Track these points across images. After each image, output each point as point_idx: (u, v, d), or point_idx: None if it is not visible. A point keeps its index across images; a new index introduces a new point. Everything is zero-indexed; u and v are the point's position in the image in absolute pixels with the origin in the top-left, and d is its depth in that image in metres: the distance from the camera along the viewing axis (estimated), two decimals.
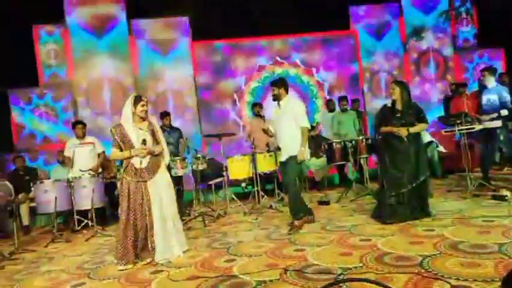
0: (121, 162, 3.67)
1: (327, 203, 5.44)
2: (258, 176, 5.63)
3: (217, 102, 8.76)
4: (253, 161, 5.63)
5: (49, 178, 5.82)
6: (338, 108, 7.21)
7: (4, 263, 3.99)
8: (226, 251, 3.52)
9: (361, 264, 2.76)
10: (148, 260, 3.41)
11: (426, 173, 4.00)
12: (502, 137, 5.04)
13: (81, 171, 5.37)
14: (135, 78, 8.39)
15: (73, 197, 5.16)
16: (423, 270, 2.50)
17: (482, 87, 5.49)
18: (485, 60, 9.31)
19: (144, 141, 3.46)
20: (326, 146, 6.14)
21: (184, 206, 5.88)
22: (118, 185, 5.56)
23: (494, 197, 4.45)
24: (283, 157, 4.24)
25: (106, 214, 5.97)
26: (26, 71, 8.14)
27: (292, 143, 4.10)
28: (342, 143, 5.90)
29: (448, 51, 9.33)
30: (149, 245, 3.42)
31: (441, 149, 6.89)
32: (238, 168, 5.75)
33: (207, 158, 5.86)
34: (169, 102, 8.51)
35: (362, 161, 5.91)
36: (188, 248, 3.65)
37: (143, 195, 3.45)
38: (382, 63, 9.23)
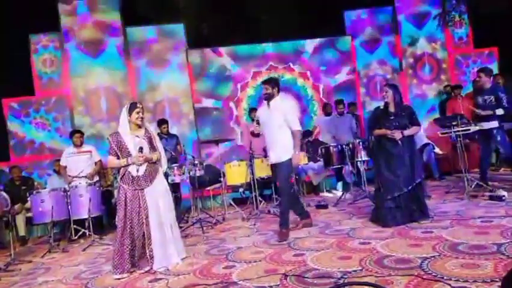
0: (118, 170, 3.65)
1: (325, 206, 5.44)
2: (255, 181, 5.62)
3: (214, 108, 8.74)
4: (251, 166, 5.63)
5: (45, 187, 5.79)
6: (334, 112, 7.22)
7: (0, 275, 3.94)
8: (225, 258, 3.50)
9: (361, 268, 2.74)
10: (146, 269, 3.38)
11: (422, 175, 4.01)
12: (498, 138, 5.06)
13: (75, 177, 5.35)
14: (132, 87, 8.38)
15: (69, 206, 5.12)
16: (423, 273, 2.50)
17: (478, 88, 5.52)
18: (480, 61, 9.37)
19: (141, 149, 3.44)
20: (323, 149, 6.14)
21: (181, 212, 5.84)
22: (115, 193, 5.53)
23: (492, 198, 4.46)
24: (272, 159, 4.10)
25: (103, 223, 5.93)
26: (22, 81, 8.12)
27: (283, 145, 3.99)
28: (339, 147, 5.91)
29: (442, 53, 9.38)
30: (147, 254, 3.39)
31: (437, 150, 6.92)
32: (235, 173, 5.74)
33: (204, 164, 5.85)
34: (166, 109, 8.50)
35: (359, 164, 5.91)
36: (186, 256, 3.62)
37: (140, 203, 3.42)
38: (378, 67, 9.27)
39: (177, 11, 9.18)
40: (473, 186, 4.98)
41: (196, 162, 5.49)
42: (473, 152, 6.50)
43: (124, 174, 3.49)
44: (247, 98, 8.83)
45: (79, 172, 5.53)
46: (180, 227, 4.29)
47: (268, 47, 9.03)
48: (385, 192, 3.91)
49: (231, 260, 3.41)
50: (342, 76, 9.16)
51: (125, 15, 8.49)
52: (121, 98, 8.21)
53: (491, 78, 5.43)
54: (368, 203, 5.10)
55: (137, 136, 3.54)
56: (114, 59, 8.34)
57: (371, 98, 9.12)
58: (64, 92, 8.19)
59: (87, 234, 5.18)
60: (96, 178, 5.73)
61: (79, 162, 5.65)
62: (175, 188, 5.54)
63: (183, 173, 5.42)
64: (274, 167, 4.17)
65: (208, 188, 6.20)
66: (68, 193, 5.14)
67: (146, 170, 3.48)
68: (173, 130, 7.18)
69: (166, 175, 4.63)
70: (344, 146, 5.84)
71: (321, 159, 6.40)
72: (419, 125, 4.13)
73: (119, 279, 3.27)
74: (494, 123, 5.04)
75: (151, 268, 3.36)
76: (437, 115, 8.30)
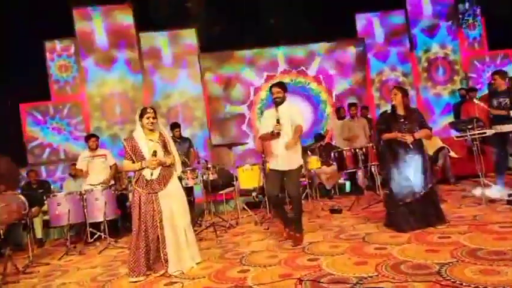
0: (133, 173, 3.70)
1: (339, 211, 5.41)
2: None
3: (226, 112, 8.79)
4: (263, 170, 5.63)
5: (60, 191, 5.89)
6: (347, 116, 7.19)
7: (19, 277, 4.02)
8: (239, 262, 3.51)
9: (377, 273, 2.72)
10: (162, 272, 3.41)
11: (434, 179, 3.96)
12: None
13: (92, 185, 5.42)
14: (145, 92, 8.49)
15: (85, 210, 5.19)
16: (441, 279, 2.46)
17: (493, 91, 5.44)
18: (495, 64, 9.24)
19: (155, 153, 3.47)
20: (336, 153, 6.11)
21: (195, 216, 5.87)
22: (130, 196, 5.59)
23: (509, 202, 4.38)
24: (282, 166, 3.94)
25: (118, 226, 6.00)
26: (38, 86, 8.29)
27: (295, 154, 3.95)
28: (353, 151, 5.87)
29: (456, 56, 9.28)
30: (162, 257, 3.42)
31: (453, 154, 6.82)
32: (248, 177, 5.75)
33: (217, 168, 5.87)
34: (179, 113, 8.58)
35: (373, 168, 5.86)
36: (201, 260, 3.64)
37: (154, 207, 3.46)
38: (391, 69, 9.22)
39: (189, 16, 9.25)
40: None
41: (209, 166, 5.52)
42: (490, 155, 6.39)
43: (139, 178, 3.53)
44: (260, 102, 8.86)
45: (94, 177, 5.60)
46: (194, 231, 4.31)
47: (280, 51, 9.06)
48: (397, 197, 3.85)
49: (245, 264, 3.42)
50: (355, 79, 9.13)
51: (139, 21, 8.61)
52: (134, 102, 8.32)
53: (506, 80, 5.34)
54: (383, 208, 5.04)
55: (151, 140, 3.58)
56: (128, 63, 8.46)
57: (386, 101, 9.07)
58: (80, 96, 8.34)
59: (103, 237, 5.25)
60: (111, 182, 5.80)
61: (94, 166, 5.74)
62: (188, 192, 5.57)
63: (196, 177, 5.46)
64: (279, 173, 3.98)
65: (221, 192, 6.22)
66: (84, 196, 5.21)
67: (160, 173, 3.51)
68: (186, 134, 7.24)
69: (180, 179, 4.66)
70: (357, 150, 5.80)
71: (334, 163, 6.37)
72: (429, 128, 4.09)
73: (135, 282, 3.31)
74: (510, 127, 4.95)
75: (166, 271, 3.38)
76: (451, 117, 8.23)
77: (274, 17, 9.44)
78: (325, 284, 2.66)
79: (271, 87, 4.13)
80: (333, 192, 7.04)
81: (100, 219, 5.17)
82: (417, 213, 3.80)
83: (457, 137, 5.28)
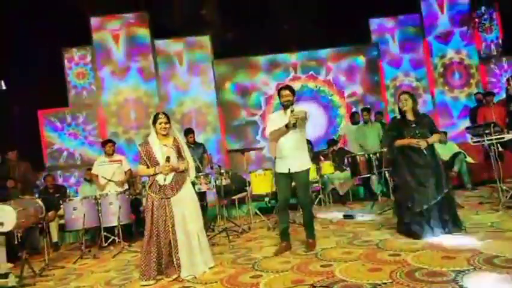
0: (147, 178, 3.75)
1: (352, 217, 5.35)
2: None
3: (240, 118, 8.83)
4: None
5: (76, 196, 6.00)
6: (361, 121, 7.14)
7: (35, 280, 4.09)
8: (252, 267, 3.49)
9: (391, 280, 2.68)
10: (174, 276, 3.42)
11: (449, 184, 3.88)
12: None
13: (107, 180, 5.50)
14: (160, 97, 8.61)
15: (100, 214, 5.26)
16: (457, 287, 2.41)
17: (510, 96, 5.33)
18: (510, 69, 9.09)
19: (168, 159, 3.50)
20: (350, 159, 6.06)
21: (208, 221, 5.89)
22: (144, 201, 5.64)
23: None
24: (294, 167, 3.82)
25: (132, 230, 6.05)
26: (56, 92, 8.48)
27: (304, 154, 3.92)
28: (366, 156, 5.82)
29: (473, 60, 9.15)
30: (174, 262, 3.43)
31: (469, 159, 6.70)
32: (261, 182, 5.75)
33: (230, 173, 5.89)
34: (193, 119, 8.66)
35: (387, 174, 5.79)
36: (214, 265, 3.64)
37: (167, 212, 3.48)
38: (405, 75, 9.14)
39: (204, 23, 9.37)
40: (508, 196, 4.78)
41: (222, 171, 5.54)
42: (508, 161, 6.25)
43: (152, 183, 3.57)
44: (274, 107, 8.88)
45: (111, 176, 5.69)
46: (206, 236, 4.32)
47: (292, 56, 9.08)
48: (413, 205, 3.75)
49: (258, 269, 3.40)
50: (368, 84, 9.07)
51: (154, 29, 8.76)
52: (149, 108, 8.43)
53: None
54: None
55: (165, 145, 3.61)
56: (143, 70, 8.60)
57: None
58: (96, 102, 8.50)
59: (117, 241, 5.30)
60: (126, 186, 5.87)
61: (110, 171, 5.81)
62: (201, 196, 5.60)
63: (209, 182, 5.48)
64: (288, 177, 3.90)
65: (234, 197, 6.23)
66: (99, 201, 5.29)
67: (173, 179, 3.54)
68: (199, 139, 7.30)
69: (193, 184, 4.69)
70: (371, 155, 5.75)
71: (348, 169, 6.32)
72: (439, 132, 4.05)
73: (145, 285, 3.33)
74: None
75: (179, 276, 3.40)
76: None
77: (288, 23, 9.49)
78: None
79: (280, 89, 3.99)
80: (346, 197, 6.98)
81: (114, 223, 5.23)
82: (434, 220, 3.71)
83: (474, 141, 5.18)
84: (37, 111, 8.37)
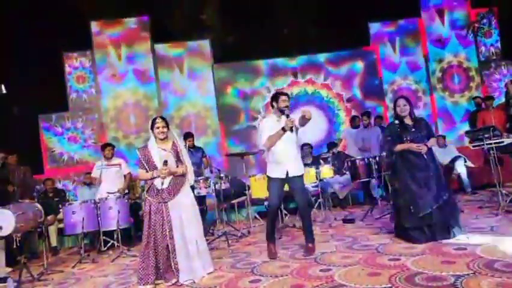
0: (146, 182, 3.74)
1: (352, 221, 5.34)
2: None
3: (241, 122, 8.84)
4: None
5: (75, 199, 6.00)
6: (361, 125, 7.15)
7: (34, 284, 4.07)
8: (251, 271, 3.48)
9: (390, 285, 2.67)
10: (173, 281, 3.41)
11: (449, 188, 3.88)
12: None
13: (108, 193, 5.49)
14: (159, 102, 8.62)
15: (99, 218, 5.25)
16: None
17: (509, 99, 5.34)
18: (510, 72, 9.11)
19: (165, 163, 3.50)
20: (349, 163, 6.06)
21: (207, 225, 5.87)
22: (143, 205, 5.62)
23: None
24: (293, 172, 3.86)
25: (131, 235, 6.04)
26: (56, 96, 8.50)
27: (299, 158, 4.00)
28: (366, 160, 5.82)
29: (472, 64, 9.17)
30: (173, 266, 3.42)
31: (469, 164, 6.70)
32: (260, 186, 5.73)
33: (229, 177, 5.88)
34: (192, 123, 8.67)
35: (386, 178, 5.78)
36: (213, 269, 3.62)
37: (164, 216, 3.47)
38: (404, 78, 9.16)
39: (204, 27, 9.41)
40: (508, 200, 4.77)
41: (221, 175, 5.53)
42: (507, 165, 6.25)
43: (150, 187, 3.57)
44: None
45: (108, 185, 5.67)
46: (206, 240, 4.31)
47: (292, 61, 9.10)
48: (416, 209, 3.72)
49: (257, 273, 3.39)
50: (368, 87, 9.09)
51: (154, 33, 8.79)
52: (149, 112, 8.45)
53: None
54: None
55: (163, 149, 3.61)
56: (143, 74, 8.62)
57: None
58: (96, 107, 8.51)
59: (116, 245, 5.29)
60: (125, 191, 5.86)
61: (109, 175, 5.81)
62: (200, 201, 5.59)
63: (209, 186, 5.48)
64: (282, 182, 3.93)
65: (233, 201, 6.22)
66: (98, 205, 5.28)
67: (170, 183, 3.54)
68: (199, 143, 7.29)
69: (192, 188, 4.68)
70: (370, 159, 5.74)
71: (347, 173, 6.31)
72: (435, 136, 4.08)
73: None
74: None
75: (178, 280, 3.38)
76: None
77: (288, 27, 9.53)
78: None
79: (278, 95, 3.95)
80: (346, 201, 6.96)
81: (113, 227, 5.22)
82: (435, 224, 3.69)
83: (474, 146, 5.18)
84: (37, 115, 8.37)
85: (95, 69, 8.54)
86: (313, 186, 6.18)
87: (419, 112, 8.09)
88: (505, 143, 4.81)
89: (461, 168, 6.52)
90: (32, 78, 7.96)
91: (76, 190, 7.71)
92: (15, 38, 7.90)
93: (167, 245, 3.44)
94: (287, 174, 3.85)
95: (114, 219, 5.19)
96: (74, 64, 8.60)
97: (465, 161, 6.62)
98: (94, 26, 8.58)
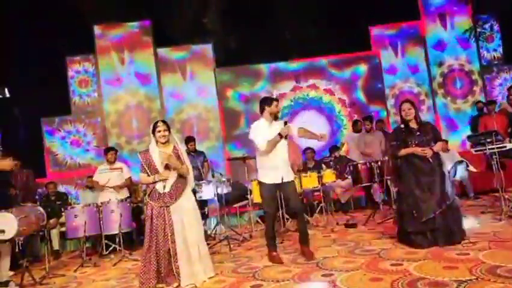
0: (147, 186, 3.76)
1: (354, 225, 5.33)
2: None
3: (242, 126, 8.84)
4: None
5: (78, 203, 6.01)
6: (363, 129, 7.15)
7: None
8: (253, 276, 3.48)
9: None
10: (175, 285, 3.41)
11: (454, 193, 3.85)
12: None
13: (105, 187, 5.56)
14: (161, 105, 8.65)
15: (101, 222, 5.26)
16: None
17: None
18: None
19: (167, 166, 3.51)
20: (351, 167, 6.06)
21: (208, 229, 5.87)
22: (145, 209, 5.63)
23: None
24: (286, 177, 3.94)
25: (133, 238, 6.04)
26: (59, 100, 8.53)
27: (289, 164, 4.04)
28: (368, 164, 5.81)
29: (474, 68, 9.17)
30: (174, 270, 3.42)
31: (471, 168, 6.68)
32: None
33: (231, 181, 5.88)
34: (194, 127, 8.68)
35: (389, 182, 5.78)
36: (214, 274, 3.62)
37: (166, 220, 3.47)
38: (406, 82, 9.17)
39: (206, 31, 9.46)
40: (510, 206, 4.76)
41: (223, 179, 5.53)
42: (510, 170, 6.22)
43: (152, 190, 3.58)
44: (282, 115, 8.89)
45: (107, 182, 5.70)
46: (207, 244, 4.31)
47: (294, 65, 9.12)
48: (419, 214, 3.71)
49: (258, 278, 3.39)
50: (370, 92, 9.10)
51: (156, 37, 8.83)
52: (151, 116, 8.47)
53: None
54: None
55: (164, 153, 3.62)
56: (145, 78, 8.65)
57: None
58: (98, 110, 8.54)
59: (117, 249, 5.29)
60: (127, 194, 5.88)
61: (111, 178, 5.82)
62: (202, 205, 5.59)
63: (210, 190, 5.47)
64: (275, 187, 3.98)
65: (235, 205, 6.22)
66: (100, 209, 5.29)
67: (172, 187, 3.54)
68: (201, 147, 7.30)
69: (194, 192, 4.68)
70: (372, 164, 5.74)
71: (349, 177, 6.31)
72: (442, 140, 4.03)
73: None
74: None
75: (179, 285, 3.38)
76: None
77: (289, 32, 9.56)
78: None
79: (270, 99, 4.09)
80: (348, 206, 6.95)
81: (115, 231, 5.23)
82: (438, 229, 3.67)
83: (476, 150, 5.17)
84: (40, 118, 8.41)
85: (98, 73, 8.58)
86: (315, 191, 6.18)
87: (423, 115, 8.07)
88: (507, 148, 4.80)
89: (462, 173, 6.50)
90: (35, 81, 8.01)
91: (78, 194, 7.73)
92: (18, 42, 7.97)
93: (169, 249, 3.44)
94: (282, 179, 3.90)
95: (116, 223, 5.19)
96: (77, 68, 8.63)
97: (467, 166, 6.60)
98: (97, 30, 8.62)
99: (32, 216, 4.18)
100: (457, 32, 9.12)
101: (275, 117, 4.03)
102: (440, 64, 9.13)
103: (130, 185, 6.12)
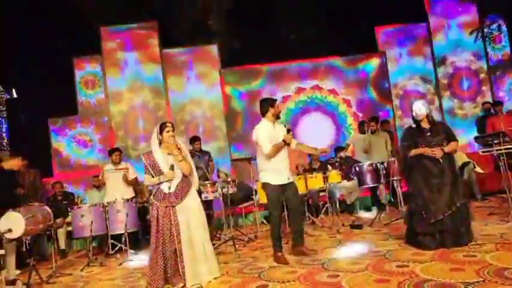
0: (152, 186, 3.77)
1: (359, 226, 5.31)
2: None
3: (247, 127, 8.85)
4: None
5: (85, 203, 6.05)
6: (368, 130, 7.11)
7: (42, 287, 4.11)
8: (258, 276, 3.48)
9: None
10: (180, 286, 3.41)
11: (465, 194, 3.81)
12: None
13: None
14: (167, 106, 8.68)
15: (107, 222, 5.28)
16: None
17: None
18: None
19: (172, 167, 3.52)
20: (357, 168, 6.03)
21: (213, 230, 5.88)
22: (150, 209, 5.65)
23: None
24: (290, 178, 4.08)
25: (139, 238, 6.06)
26: (65, 101, 8.61)
27: (289, 164, 4.13)
28: (374, 165, 5.78)
29: (481, 69, 9.10)
30: (180, 270, 3.42)
31: (479, 169, 6.62)
32: None
33: (236, 181, 5.88)
34: (199, 127, 8.71)
35: (395, 183, 5.74)
36: (220, 274, 3.62)
37: (172, 220, 3.48)
38: (413, 83, 9.13)
39: (211, 32, 9.49)
40: None
41: (229, 179, 5.54)
42: None
43: (157, 191, 3.59)
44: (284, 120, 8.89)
45: (115, 189, 5.70)
46: (212, 245, 4.31)
47: (299, 65, 9.11)
48: (428, 215, 3.67)
49: (264, 279, 3.39)
50: (376, 92, 9.06)
51: (162, 38, 8.87)
52: (157, 117, 8.50)
53: None
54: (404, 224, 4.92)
55: (169, 154, 3.63)
56: (152, 80, 8.69)
57: (405, 114, 8.93)
58: (105, 111, 8.59)
59: (123, 249, 5.31)
60: (133, 194, 5.89)
61: (116, 179, 5.84)
62: (207, 205, 5.59)
63: (216, 191, 5.48)
64: (280, 189, 4.02)
65: (241, 206, 6.22)
66: (107, 208, 5.31)
67: (177, 187, 3.56)
68: (206, 147, 7.32)
69: (199, 192, 4.69)
70: (378, 165, 5.71)
71: (355, 178, 6.28)
72: (457, 140, 3.97)
73: None
74: None
75: (185, 285, 3.39)
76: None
77: (294, 32, 9.56)
78: None
79: (274, 100, 4.17)
80: (354, 207, 6.92)
81: (121, 231, 5.24)
82: (446, 231, 3.63)
83: (483, 151, 5.13)
84: (47, 118, 8.48)
85: (105, 74, 8.63)
86: (320, 191, 6.16)
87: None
88: None
89: (466, 175, 6.45)
90: (42, 82, 8.08)
91: (85, 193, 7.77)
92: (26, 44, 8.05)
93: (176, 249, 3.45)
94: (288, 179, 4.05)
95: (122, 222, 5.21)
96: (84, 68, 8.69)
97: (474, 167, 6.55)
98: (103, 31, 8.67)
99: (39, 215, 4.21)
100: (464, 33, 9.05)
101: (277, 117, 4.14)
102: (445, 64, 9.06)
103: (134, 183, 6.12)
